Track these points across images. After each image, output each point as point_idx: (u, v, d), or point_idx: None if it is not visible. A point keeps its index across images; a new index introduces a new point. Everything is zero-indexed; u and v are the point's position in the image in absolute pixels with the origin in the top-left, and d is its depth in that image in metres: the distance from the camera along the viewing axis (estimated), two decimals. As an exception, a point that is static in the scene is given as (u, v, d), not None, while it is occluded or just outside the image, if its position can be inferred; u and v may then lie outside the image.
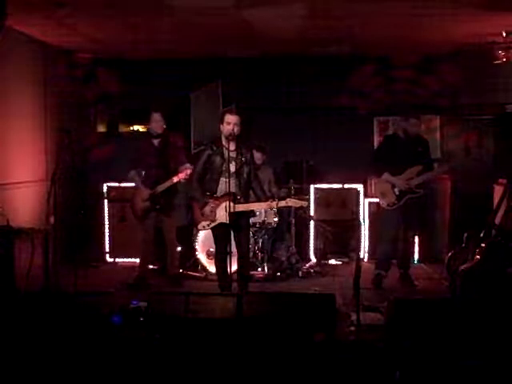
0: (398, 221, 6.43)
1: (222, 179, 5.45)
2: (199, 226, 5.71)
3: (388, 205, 6.40)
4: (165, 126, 6.53)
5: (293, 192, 7.16)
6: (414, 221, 6.52)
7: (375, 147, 7.85)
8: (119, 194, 7.84)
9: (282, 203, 5.52)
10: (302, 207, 5.92)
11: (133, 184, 6.70)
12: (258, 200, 5.62)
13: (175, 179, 6.21)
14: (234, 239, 5.64)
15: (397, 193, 6.34)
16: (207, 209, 5.51)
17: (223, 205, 5.42)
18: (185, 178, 6.14)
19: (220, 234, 5.59)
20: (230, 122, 5.41)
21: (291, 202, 5.56)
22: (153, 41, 7.27)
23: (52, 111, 7.47)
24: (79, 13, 5.98)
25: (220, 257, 5.62)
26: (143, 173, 6.56)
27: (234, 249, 5.65)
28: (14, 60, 6.58)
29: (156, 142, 6.49)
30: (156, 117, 6.46)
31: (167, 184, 6.28)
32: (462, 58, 7.73)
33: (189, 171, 6.02)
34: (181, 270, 6.93)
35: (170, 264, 6.62)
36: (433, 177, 6.60)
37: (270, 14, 6.11)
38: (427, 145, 6.59)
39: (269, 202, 5.49)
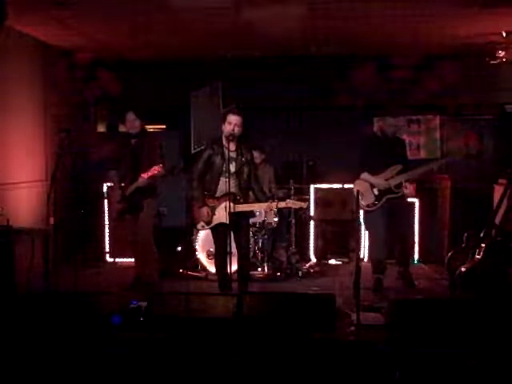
0: (383, 222, 6.25)
1: (222, 179, 5.45)
2: (198, 226, 5.71)
3: (368, 205, 6.26)
4: (142, 126, 6.29)
5: (293, 192, 7.16)
6: (398, 221, 6.32)
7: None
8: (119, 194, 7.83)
9: (282, 204, 5.53)
10: (301, 208, 5.90)
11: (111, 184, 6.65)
12: (258, 201, 5.61)
13: (140, 181, 5.99)
14: (234, 239, 5.64)
15: (376, 193, 6.21)
16: (204, 210, 5.52)
17: (223, 205, 5.42)
18: (149, 177, 5.91)
19: (220, 234, 5.59)
20: (232, 122, 5.43)
21: (291, 204, 5.56)
22: (153, 41, 7.28)
23: (52, 111, 7.46)
24: (80, 13, 5.98)
25: (220, 257, 5.62)
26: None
27: (233, 249, 5.66)
28: (14, 60, 6.58)
29: (133, 142, 6.29)
30: (129, 116, 6.22)
31: (134, 186, 6.08)
32: (462, 58, 7.73)
33: (155, 171, 5.86)
34: (181, 270, 6.94)
35: (142, 268, 6.33)
36: (414, 176, 6.31)
37: (269, 13, 6.11)
38: (405, 145, 6.57)
39: (269, 203, 5.49)
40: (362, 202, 6.25)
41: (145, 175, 5.92)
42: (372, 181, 6.22)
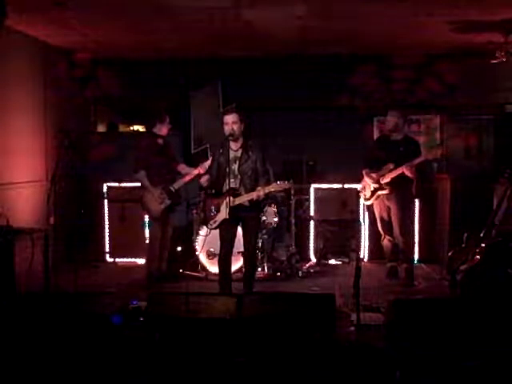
0: (379, 216, 6.75)
1: (227, 179, 5.49)
2: (208, 225, 5.72)
3: (364, 198, 6.81)
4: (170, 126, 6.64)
5: (293, 192, 7.17)
6: (395, 218, 6.56)
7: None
8: (119, 194, 7.83)
9: (270, 189, 5.48)
10: (286, 189, 6.00)
11: (134, 184, 6.68)
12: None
13: (193, 174, 6.40)
14: (243, 237, 5.66)
15: (371, 188, 6.63)
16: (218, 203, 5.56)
17: (225, 202, 5.45)
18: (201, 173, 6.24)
19: (224, 232, 5.61)
20: (228, 122, 5.47)
21: (276, 186, 5.51)
22: (153, 41, 7.28)
23: (52, 111, 7.47)
24: (79, 13, 5.98)
25: (223, 256, 5.63)
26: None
27: (234, 249, 5.68)
28: (14, 60, 6.58)
29: (160, 141, 6.53)
30: (168, 119, 6.56)
31: (182, 181, 6.48)
32: (462, 58, 7.74)
33: (203, 169, 6.22)
34: (181, 270, 6.95)
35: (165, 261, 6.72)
36: (396, 174, 6.38)
37: (269, 13, 6.11)
38: (411, 145, 6.57)
39: (256, 191, 5.46)
40: (362, 196, 6.85)
41: (197, 170, 6.32)
42: (367, 177, 6.66)
